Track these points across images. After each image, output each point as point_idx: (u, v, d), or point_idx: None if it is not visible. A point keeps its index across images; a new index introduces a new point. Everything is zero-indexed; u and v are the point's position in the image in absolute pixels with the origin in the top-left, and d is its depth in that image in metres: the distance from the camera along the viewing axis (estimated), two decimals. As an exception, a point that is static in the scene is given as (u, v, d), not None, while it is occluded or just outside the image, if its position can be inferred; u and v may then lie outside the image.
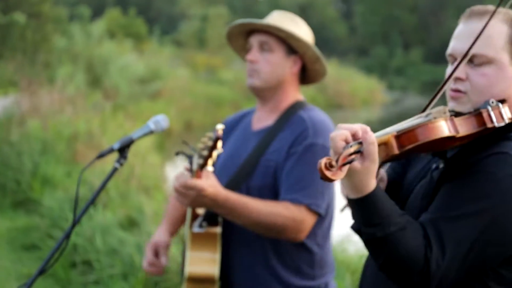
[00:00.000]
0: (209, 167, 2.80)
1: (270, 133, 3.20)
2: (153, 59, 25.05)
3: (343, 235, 6.81)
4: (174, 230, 3.38)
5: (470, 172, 2.05)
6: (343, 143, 1.91)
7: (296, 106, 3.25)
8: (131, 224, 7.21)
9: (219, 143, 2.72)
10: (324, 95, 29.87)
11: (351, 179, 1.95)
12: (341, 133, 1.94)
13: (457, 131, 2.00)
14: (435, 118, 2.01)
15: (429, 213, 2.05)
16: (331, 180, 1.85)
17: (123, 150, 2.88)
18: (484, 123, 2.02)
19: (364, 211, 1.98)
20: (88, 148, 10.21)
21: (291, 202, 3.01)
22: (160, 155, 12.35)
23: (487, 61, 2.10)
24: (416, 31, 73.40)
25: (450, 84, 2.15)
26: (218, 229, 3.12)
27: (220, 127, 2.70)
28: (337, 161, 1.86)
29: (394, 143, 1.98)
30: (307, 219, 3.03)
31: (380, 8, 74.30)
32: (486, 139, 2.09)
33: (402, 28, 72.45)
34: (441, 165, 2.18)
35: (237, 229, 3.10)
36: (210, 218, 3.10)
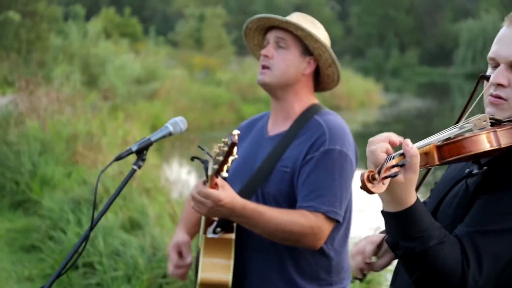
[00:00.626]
0: (224, 173, 2.74)
1: (286, 139, 3.14)
2: (149, 59, 25.00)
3: (354, 238, 6.75)
4: (192, 232, 3.33)
5: (508, 186, 2.00)
6: (385, 155, 1.87)
7: (312, 110, 3.20)
8: (133, 226, 7.15)
9: (235, 149, 2.67)
10: (320, 96, 29.83)
11: (392, 192, 1.90)
12: (381, 145, 1.90)
13: (499, 144, 1.97)
14: (475, 125, 1.98)
15: (465, 226, 2.01)
16: (371, 193, 1.81)
17: (141, 152, 2.83)
18: None
19: (403, 224, 1.93)
20: (87, 148, 10.14)
21: (309, 210, 2.97)
22: (159, 155, 12.29)
23: None
24: (412, 32, 73.53)
25: (490, 90, 2.10)
26: (232, 235, 3.08)
27: (235, 132, 2.64)
28: (379, 172, 1.82)
29: (435, 154, 1.95)
30: (325, 227, 2.99)
31: (376, 9, 74.43)
32: None
33: (398, 29, 72.59)
34: (475, 170, 2.13)
35: (252, 235, 3.05)
36: (225, 224, 3.05)
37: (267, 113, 3.41)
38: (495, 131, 1.97)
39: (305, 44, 3.17)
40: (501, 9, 66.23)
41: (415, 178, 1.89)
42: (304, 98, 3.24)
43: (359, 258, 2.20)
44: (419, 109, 33.71)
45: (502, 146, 1.97)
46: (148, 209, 7.14)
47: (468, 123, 2.01)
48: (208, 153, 2.88)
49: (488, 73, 2.13)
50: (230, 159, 2.69)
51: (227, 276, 3.02)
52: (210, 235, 3.07)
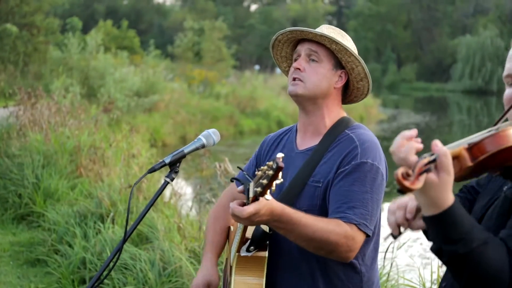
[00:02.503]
0: (268, 196, 2.68)
1: (317, 153, 3.08)
2: (148, 72, 25.00)
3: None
4: (219, 257, 3.31)
5: None
6: (416, 156, 1.86)
7: (342, 124, 3.15)
8: (142, 240, 7.06)
9: (280, 173, 2.60)
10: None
11: (428, 194, 1.89)
12: (412, 146, 1.88)
13: None
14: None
15: (508, 229, 2.00)
16: (409, 190, 1.80)
17: (174, 165, 2.76)
18: None
19: (443, 227, 1.92)
20: (91, 161, 10.05)
21: (342, 220, 2.90)
22: (165, 169, 12.20)
23: None
24: (410, 48, 73.79)
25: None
26: (265, 253, 3.03)
27: (280, 155, 2.58)
28: (413, 170, 1.81)
29: (466, 155, 1.95)
30: (358, 238, 2.92)
31: (373, 24, 74.75)
32: None
33: (395, 44, 72.82)
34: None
35: (285, 253, 3.01)
36: (258, 243, 2.99)
37: (293, 126, 3.36)
38: None
39: (337, 57, 3.12)
40: (499, 25, 66.65)
41: (449, 179, 1.88)
42: (334, 111, 3.19)
43: (400, 213, 2.14)
44: (418, 124, 33.74)
45: None
46: (156, 223, 7.04)
47: (499, 128, 2.03)
48: (248, 175, 2.89)
49: (506, 93, 2.20)
50: (275, 183, 2.62)
51: None
52: (243, 253, 3.00)
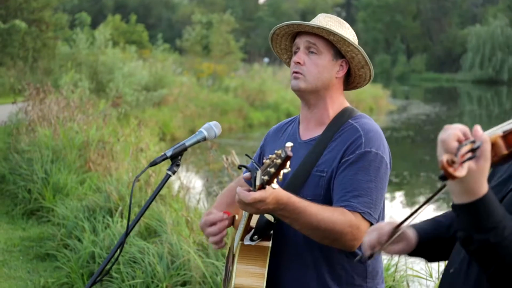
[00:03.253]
0: (274, 185, 2.67)
1: (321, 143, 3.08)
2: (157, 66, 25.01)
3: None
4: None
5: None
6: (457, 143, 1.83)
7: (345, 114, 3.14)
8: (150, 233, 7.07)
9: (288, 162, 2.59)
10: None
11: (465, 182, 1.85)
12: (453, 132, 1.85)
13: None
14: None
15: None
16: (454, 178, 1.76)
17: (175, 158, 2.76)
18: None
19: (477, 215, 1.88)
20: (100, 156, 10.07)
21: (347, 208, 2.90)
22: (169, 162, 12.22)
23: None
24: (419, 38, 73.48)
25: None
26: (269, 243, 3.01)
27: (289, 145, 2.57)
28: (455, 156, 1.79)
29: (501, 143, 1.92)
30: (362, 227, 2.91)
31: (382, 15, 74.44)
32: None
33: (405, 35, 72.53)
34: None
35: (288, 242, 3.01)
36: (262, 232, 2.99)
37: (296, 117, 3.36)
38: None
39: (336, 47, 3.11)
40: (509, 14, 66.25)
41: (487, 166, 1.85)
42: (337, 101, 3.18)
43: (374, 234, 2.16)
44: (428, 115, 33.66)
45: None
46: (165, 217, 7.05)
47: None
48: (256, 163, 2.86)
49: None
50: (282, 171, 2.62)
51: (261, 284, 2.95)
52: (247, 242, 3.00)
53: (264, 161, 2.67)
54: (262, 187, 2.69)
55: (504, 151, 1.92)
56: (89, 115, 11.76)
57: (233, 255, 3.09)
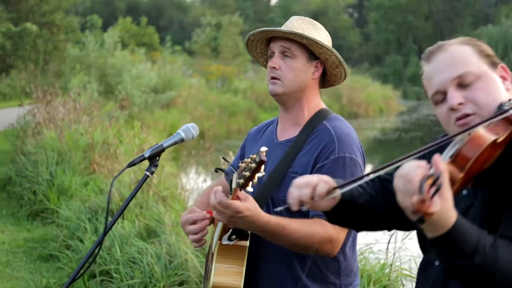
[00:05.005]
0: (249, 188, 2.75)
1: (296, 144, 3.15)
2: (166, 69, 25.11)
3: (364, 245, 6.74)
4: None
5: None
6: (418, 183, 1.82)
7: (320, 115, 3.21)
8: (149, 234, 7.15)
9: (263, 167, 2.68)
10: (338, 104, 29.87)
11: (437, 214, 1.84)
12: (418, 172, 1.84)
13: (497, 133, 1.99)
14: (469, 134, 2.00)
15: (507, 225, 2.01)
16: (431, 215, 1.78)
17: (153, 158, 2.85)
18: (511, 120, 2.03)
19: (455, 243, 1.89)
20: (104, 158, 10.18)
21: (325, 218, 2.97)
22: (176, 164, 12.32)
23: (475, 77, 2.15)
24: (431, 39, 73.07)
25: (452, 116, 2.15)
26: (246, 243, 3.08)
27: (264, 149, 2.65)
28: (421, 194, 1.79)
29: (453, 168, 1.93)
30: (341, 235, 3.00)
31: (394, 15, 74.26)
32: None
33: (417, 35, 72.36)
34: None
35: (265, 241, 3.06)
36: (240, 232, 3.06)
37: (275, 118, 3.43)
38: (489, 126, 2.01)
39: (310, 49, 3.18)
40: (521, 14, 65.93)
41: (450, 195, 1.85)
42: (313, 102, 3.25)
43: (306, 191, 2.10)
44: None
45: (500, 136, 1.99)
46: (164, 217, 7.14)
47: (456, 144, 2.03)
48: (232, 166, 2.92)
49: (439, 111, 2.21)
50: (257, 175, 2.70)
51: (239, 283, 3.02)
52: (225, 241, 3.07)
53: (240, 164, 2.75)
54: (239, 189, 2.77)
55: (460, 174, 1.93)
56: (94, 117, 11.86)
57: (212, 254, 3.17)
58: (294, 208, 2.13)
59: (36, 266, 7.51)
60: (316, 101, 3.26)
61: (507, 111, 2.04)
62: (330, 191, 2.14)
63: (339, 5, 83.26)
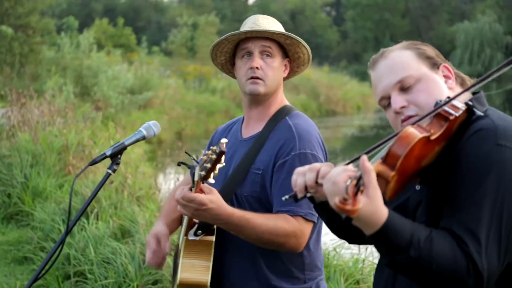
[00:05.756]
0: (211, 180, 2.78)
1: (258, 141, 3.18)
2: (143, 69, 25.06)
3: (338, 240, 6.77)
4: (171, 228, 3.38)
5: (459, 163, 2.08)
6: (345, 184, 1.91)
7: (283, 112, 3.25)
8: (124, 234, 7.16)
9: (223, 157, 2.71)
10: (316, 102, 29.94)
11: (364, 214, 1.92)
12: (342, 175, 1.94)
13: (429, 131, 2.05)
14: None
15: (445, 218, 2.07)
16: (354, 212, 1.83)
17: (115, 156, 2.86)
18: (446, 118, 2.09)
19: (389, 240, 1.96)
20: (79, 159, 10.15)
21: (289, 214, 2.99)
22: (152, 164, 12.30)
23: (415, 80, 2.25)
24: (408, 36, 73.38)
25: (398, 119, 2.25)
26: (212, 238, 3.11)
27: (224, 141, 2.69)
28: (347, 194, 1.86)
29: (385, 168, 1.99)
30: (306, 230, 3.03)
31: (371, 13, 74.53)
32: (455, 137, 2.14)
33: (394, 33, 72.55)
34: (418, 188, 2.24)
35: (230, 237, 3.09)
36: (206, 227, 3.08)
37: (241, 117, 3.46)
38: (417, 124, 2.09)
39: (283, 47, 3.22)
40: (497, 10, 66.42)
41: (377, 193, 1.92)
42: (279, 99, 3.30)
43: (311, 175, 2.14)
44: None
45: (433, 134, 2.06)
46: (138, 217, 7.15)
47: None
48: (194, 159, 2.94)
49: (388, 116, 2.30)
50: (218, 166, 2.74)
51: (206, 277, 3.05)
52: (191, 237, 3.09)
53: (201, 157, 2.78)
54: (202, 182, 2.80)
55: (391, 173, 1.98)
56: (69, 119, 11.82)
57: (180, 250, 3.18)
58: (300, 194, 2.17)
59: (10, 269, 7.48)
60: (281, 98, 3.30)
61: (437, 108, 2.11)
62: None
63: (316, 3, 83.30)
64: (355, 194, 1.84)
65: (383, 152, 2.03)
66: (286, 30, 3.30)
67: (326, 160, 3.17)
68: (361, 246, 6.91)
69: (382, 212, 1.93)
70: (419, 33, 72.13)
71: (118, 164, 2.91)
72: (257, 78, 3.18)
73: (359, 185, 1.86)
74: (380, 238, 1.95)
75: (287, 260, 3.13)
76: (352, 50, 75.27)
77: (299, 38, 3.19)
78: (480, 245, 1.96)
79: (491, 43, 62.14)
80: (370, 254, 6.37)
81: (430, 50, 2.34)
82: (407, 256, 1.95)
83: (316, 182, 2.14)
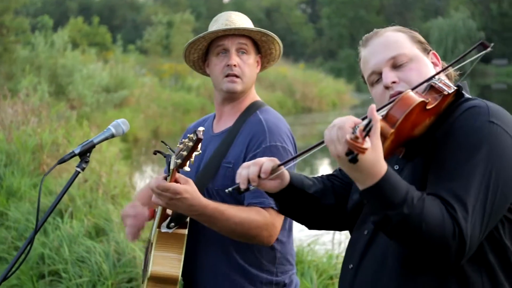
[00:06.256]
0: (187, 168, 2.80)
1: (230, 135, 3.22)
2: (119, 68, 24.94)
3: (312, 236, 6.82)
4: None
5: (450, 135, 2.13)
6: (351, 128, 1.93)
7: (254, 107, 3.29)
8: (98, 232, 7.16)
9: (200, 145, 2.73)
10: (292, 99, 29.98)
11: (365, 163, 1.94)
12: (349, 121, 1.96)
13: (426, 98, 2.13)
14: None
15: (433, 185, 2.10)
16: (364, 151, 1.86)
17: (84, 155, 2.87)
18: (440, 92, 2.17)
19: (385, 193, 1.98)
20: (53, 158, 10.11)
21: (260, 206, 3.02)
22: (128, 163, 12.29)
23: (408, 59, 2.31)
24: (382, 33, 73.75)
25: (386, 94, 2.30)
26: (185, 231, 3.13)
27: (201, 129, 2.71)
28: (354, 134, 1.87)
29: (385, 124, 2.04)
30: (277, 222, 3.07)
31: (347, 10, 74.81)
32: (443, 116, 2.20)
33: (369, 29, 72.45)
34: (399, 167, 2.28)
35: (202, 230, 3.11)
36: (178, 220, 3.10)
37: (212, 114, 3.49)
38: (415, 91, 2.16)
39: (257, 45, 3.26)
40: (470, 6, 66.95)
41: (379, 144, 1.96)
42: (251, 95, 3.35)
43: (254, 169, 2.21)
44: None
45: (430, 102, 2.13)
46: (112, 215, 7.15)
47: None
48: (170, 148, 2.96)
49: (375, 91, 2.36)
50: (194, 154, 2.76)
51: (177, 270, 3.07)
52: (164, 229, 3.11)
53: (178, 146, 2.80)
54: (177, 171, 2.81)
55: (390, 129, 2.04)
56: (43, 118, 11.76)
57: (152, 243, 3.20)
58: (243, 186, 2.22)
59: (-16, 270, 7.44)
60: (253, 94, 3.35)
61: (432, 77, 2.21)
62: (275, 169, 2.23)
63: (292, 1, 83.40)
64: (365, 135, 1.87)
65: (381, 114, 2.07)
66: (261, 28, 3.35)
67: (296, 150, 3.21)
68: (335, 242, 6.98)
69: (382, 164, 1.97)
70: (394, 29, 72.47)
71: (87, 162, 2.91)
72: (235, 76, 3.21)
73: (367, 128, 1.87)
74: (377, 191, 1.98)
75: (259, 253, 3.16)
76: (328, 47, 75.47)
77: (275, 35, 3.24)
78: (467, 212, 2.00)
79: (464, 39, 62.62)
80: (344, 250, 6.42)
81: (421, 37, 2.43)
82: (400, 212, 1.96)
83: (259, 176, 2.20)
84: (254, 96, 3.34)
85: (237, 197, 3.09)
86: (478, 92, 39.54)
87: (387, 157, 2.06)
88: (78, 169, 2.89)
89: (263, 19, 68.24)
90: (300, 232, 5.90)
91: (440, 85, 2.19)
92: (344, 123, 1.95)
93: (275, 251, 3.19)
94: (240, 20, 3.27)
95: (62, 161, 2.88)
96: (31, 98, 14.72)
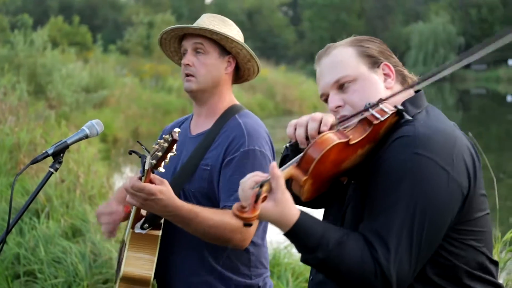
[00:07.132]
0: (161, 169, 2.80)
1: (208, 137, 3.22)
2: (99, 68, 24.83)
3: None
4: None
5: (377, 168, 2.12)
6: (251, 191, 1.99)
7: (233, 111, 3.30)
8: (74, 233, 7.12)
9: (175, 146, 2.73)
10: (273, 101, 30.01)
11: (272, 217, 2.02)
12: (249, 181, 2.03)
13: (347, 137, 2.09)
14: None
15: (363, 222, 2.13)
16: (251, 220, 1.93)
17: (58, 155, 2.86)
18: (371, 122, 2.12)
19: (299, 240, 2.05)
20: (31, 158, 10.04)
21: None
22: (106, 163, 12.24)
23: (352, 80, 2.30)
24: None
25: (336, 117, 2.31)
26: (159, 232, 3.13)
27: (177, 130, 2.71)
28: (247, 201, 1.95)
29: (298, 172, 2.06)
30: (252, 226, 3.05)
31: (328, 13, 75.07)
32: (383, 141, 2.19)
33: (350, 33, 72.66)
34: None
35: (177, 231, 3.11)
36: (153, 221, 3.09)
37: (190, 115, 3.49)
38: (339, 130, 2.14)
39: (221, 45, 3.24)
40: (450, 11, 67.42)
41: (284, 197, 2.01)
42: (227, 97, 3.34)
43: (314, 125, 2.26)
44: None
45: (353, 139, 2.09)
46: (89, 216, 7.11)
47: None
48: (146, 149, 2.96)
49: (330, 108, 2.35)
50: (169, 155, 2.76)
51: (150, 272, 3.07)
52: (137, 230, 3.10)
53: (153, 146, 2.80)
54: (152, 171, 2.80)
55: (303, 177, 2.05)
56: (20, 118, 11.68)
57: (125, 244, 3.19)
58: (304, 145, 2.27)
59: (-42, 270, 7.37)
60: (229, 96, 3.35)
61: (360, 113, 2.16)
62: (334, 124, 2.25)
63: (273, 3, 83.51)
64: (255, 201, 1.93)
65: (300, 155, 2.08)
66: (243, 30, 3.38)
67: (274, 157, 3.22)
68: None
69: (291, 214, 2.02)
70: (374, 33, 72.66)
71: (60, 162, 2.91)
72: (190, 75, 3.24)
73: (259, 193, 1.94)
74: (291, 237, 2.05)
75: (234, 255, 3.17)
76: (309, 50, 75.53)
77: (226, 34, 3.20)
78: (388, 251, 2.01)
79: (444, 44, 63.06)
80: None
81: (374, 48, 2.38)
82: (315, 256, 2.02)
83: (319, 132, 2.23)
84: (231, 99, 3.35)
85: (214, 201, 3.10)
86: (458, 97, 39.75)
87: (315, 195, 2.13)
88: (52, 170, 2.89)
89: (244, 21, 68.26)
90: (277, 235, 5.92)
91: (374, 113, 2.14)
92: (244, 185, 2.03)
93: (249, 254, 3.20)
94: (210, 22, 3.27)
95: (35, 161, 2.87)
96: (10, 97, 14.62)
